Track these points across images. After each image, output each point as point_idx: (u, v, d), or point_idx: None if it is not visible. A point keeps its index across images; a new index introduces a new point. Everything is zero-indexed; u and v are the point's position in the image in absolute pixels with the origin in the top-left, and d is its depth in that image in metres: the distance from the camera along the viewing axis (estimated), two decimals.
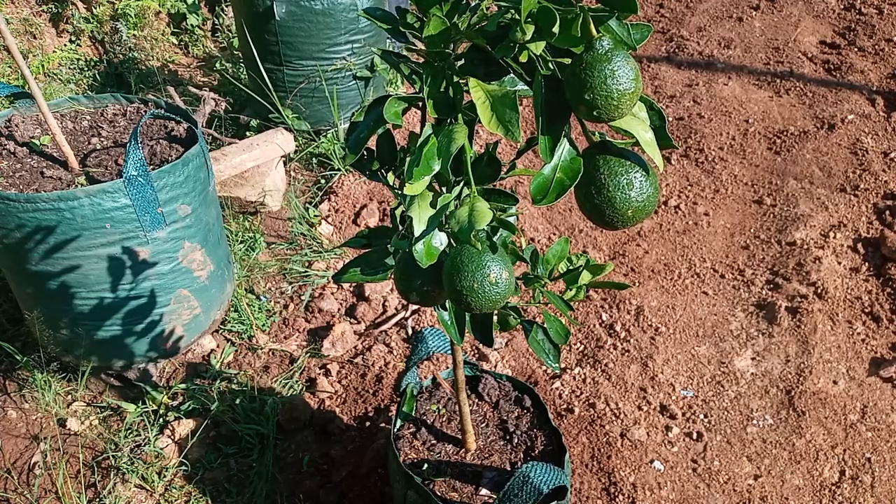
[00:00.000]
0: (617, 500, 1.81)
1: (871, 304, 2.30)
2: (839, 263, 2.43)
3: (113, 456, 1.95)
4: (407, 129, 2.98)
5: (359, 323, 2.37)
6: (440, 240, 0.95)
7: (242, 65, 3.54)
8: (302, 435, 2.02)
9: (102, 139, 2.04)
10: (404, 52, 1.02)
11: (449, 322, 1.13)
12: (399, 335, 2.30)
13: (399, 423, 1.53)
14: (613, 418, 1.99)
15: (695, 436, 1.95)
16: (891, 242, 2.42)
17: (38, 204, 1.69)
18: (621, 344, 2.22)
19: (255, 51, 2.98)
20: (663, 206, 2.78)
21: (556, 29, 0.75)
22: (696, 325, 2.28)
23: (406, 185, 0.85)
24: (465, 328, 1.13)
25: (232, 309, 2.35)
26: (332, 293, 2.48)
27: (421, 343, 1.57)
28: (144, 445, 1.97)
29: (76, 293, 1.87)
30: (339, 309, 2.43)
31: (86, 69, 3.71)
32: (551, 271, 1.19)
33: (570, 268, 1.19)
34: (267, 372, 2.22)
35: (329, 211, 2.85)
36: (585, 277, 1.18)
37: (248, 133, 3.13)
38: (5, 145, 1.97)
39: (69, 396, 2.13)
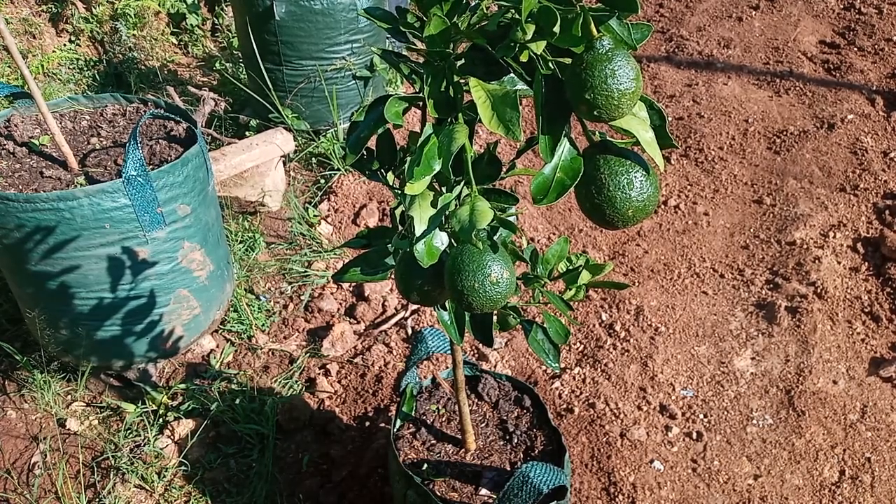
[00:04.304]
0: (617, 499, 1.81)
1: (870, 303, 2.30)
2: (839, 263, 2.43)
3: (113, 456, 1.95)
4: (407, 128, 2.98)
5: (358, 323, 2.37)
6: (441, 239, 0.95)
7: (242, 65, 3.53)
8: (302, 435, 2.02)
9: (102, 139, 2.04)
10: (404, 52, 1.02)
11: (449, 322, 1.13)
12: (399, 335, 2.30)
13: (399, 423, 1.53)
14: (613, 418, 1.99)
15: (695, 436, 1.95)
16: (891, 242, 2.42)
17: (37, 204, 1.69)
18: (621, 344, 2.22)
19: (255, 50, 2.98)
20: (663, 206, 2.78)
21: (556, 29, 0.75)
22: (695, 324, 2.28)
23: (407, 184, 0.85)
24: (464, 328, 1.13)
25: (231, 309, 2.35)
26: (332, 293, 2.48)
27: (421, 343, 1.57)
28: (144, 445, 1.97)
29: (76, 293, 1.86)
30: (338, 309, 2.43)
31: (85, 69, 3.71)
32: (551, 271, 1.19)
33: (570, 267, 1.19)
34: (266, 372, 2.22)
35: (329, 211, 2.85)
36: (585, 277, 1.18)
37: (247, 133, 3.13)
38: (4, 145, 1.97)
39: (69, 396, 2.13)
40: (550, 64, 0.81)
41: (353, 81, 3.11)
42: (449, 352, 1.53)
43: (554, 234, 2.70)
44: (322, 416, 2.06)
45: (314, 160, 3.12)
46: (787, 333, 2.22)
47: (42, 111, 1.82)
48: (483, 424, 1.54)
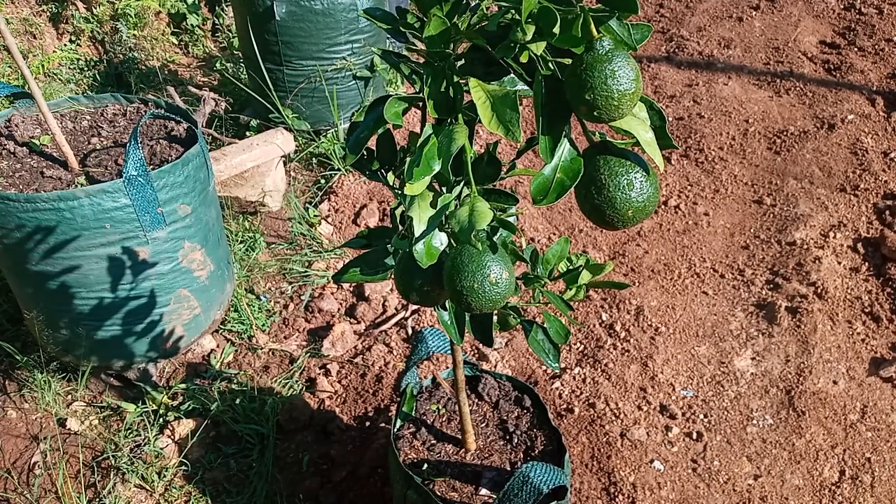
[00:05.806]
0: (617, 500, 1.81)
1: (871, 304, 2.30)
2: (839, 263, 2.43)
3: (113, 456, 1.95)
4: (407, 129, 2.98)
5: (359, 323, 2.37)
6: (440, 240, 0.95)
7: (242, 65, 3.54)
8: (302, 435, 2.02)
9: (102, 139, 2.04)
10: (404, 52, 1.02)
11: (449, 322, 1.13)
12: (399, 335, 2.30)
13: (399, 422, 1.53)
14: (613, 418, 1.99)
15: (695, 436, 1.95)
16: (891, 242, 2.42)
17: (37, 204, 1.69)
18: (621, 344, 2.22)
19: (255, 50, 2.98)
20: (663, 206, 2.78)
21: (556, 29, 0.75)
22: (696, 325, 2.28)
23: (406, 185, 0.85)
24: (464, 328, 1.13)
25: (232, 309, 2.35)
26: (332, 293, 2.48)
27: (421, 343, 1.57)
28: (144, 445, 1.97)
29: (76, 293, 1.87)
30: (339, 309, 2.43)
31: (86, 69, 3.71)
32: (551, 271, 1.19)
33: (570, 267, 1.19)
34: (267, 372, 2.22)
35: (329, 211, 2.85)
36: (585, 277, 1.18)
37: (248, 133, 3.13)
38: (5, 145, 1.97)
39: (69, 396, 2.13)
40: (550, 64, 0.81)
41: (354, 81, 3.11)
42: (449, 352, 1.53)
43: (554, 234, 2.70)
44: (322, 416, 2.06)
45: (314, 160, 3.12)
46: (788, 333, 2.22)
47: (43, 111, 1.82)
48: (483, 424, 1.54)
